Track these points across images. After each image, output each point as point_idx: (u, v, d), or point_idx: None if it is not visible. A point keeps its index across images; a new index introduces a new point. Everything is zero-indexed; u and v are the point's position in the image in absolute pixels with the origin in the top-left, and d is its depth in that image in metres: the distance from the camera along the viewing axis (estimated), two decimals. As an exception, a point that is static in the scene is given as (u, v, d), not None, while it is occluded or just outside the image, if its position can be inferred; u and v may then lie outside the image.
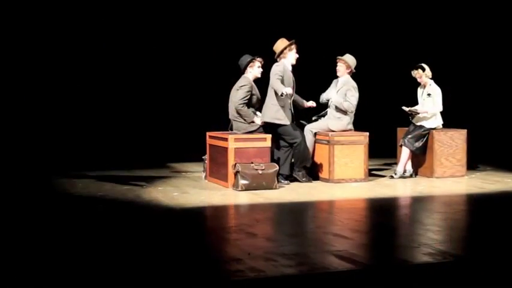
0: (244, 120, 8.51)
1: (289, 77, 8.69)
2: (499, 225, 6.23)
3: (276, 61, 8.75)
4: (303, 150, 8.64)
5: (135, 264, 4.68)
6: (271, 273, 4.39)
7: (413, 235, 5.76)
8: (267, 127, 8.60)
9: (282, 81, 8.50)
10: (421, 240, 5.47)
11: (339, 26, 12.62)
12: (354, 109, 9.02)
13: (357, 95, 9.00)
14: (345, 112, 9.00)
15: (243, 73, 8.76)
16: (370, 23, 13.00)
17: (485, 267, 4.78)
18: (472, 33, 12.78)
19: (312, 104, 9.07)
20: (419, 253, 5.01)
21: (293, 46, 8.71)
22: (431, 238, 5.52)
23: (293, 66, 8.78)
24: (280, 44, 8.73)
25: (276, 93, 8.51)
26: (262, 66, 8.78)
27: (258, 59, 8.75)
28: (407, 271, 4.65)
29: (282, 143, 8.69)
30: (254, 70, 8.72)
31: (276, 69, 8.57)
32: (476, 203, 7.72)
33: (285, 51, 8.68)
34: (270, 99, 8.66)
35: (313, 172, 8.97)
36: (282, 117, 8.60)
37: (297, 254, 4.90)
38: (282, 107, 8.59)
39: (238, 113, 8.52)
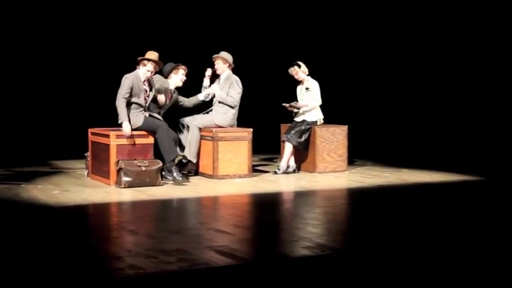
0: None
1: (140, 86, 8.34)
2: (377, 218, 6.44)
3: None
4: (164, 138, 8.23)
5: (13, 264, 4.54)
6: (151, 270, 4.36)
7: (294, 229, 5.87)
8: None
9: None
10: (301, 234, 5.58)
11: (222, 26, 12.67)
12: (237, 103, 9.12)
13: (239, 89, 9.12)
14: (230, 106, 9.07)
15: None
16: (252, 23, 13.12)
17: (362, 260, 4.92)
18: (348, 32, 13.09)
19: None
20: (299, 247, 5.10)
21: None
22: (310, 232, 5.64)
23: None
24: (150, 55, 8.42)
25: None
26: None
27: (182, 66, 8.92)
28: (286, 265, 4.72)
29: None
30: (178, 76, 8.87)
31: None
32: (356, 197, 7.95)
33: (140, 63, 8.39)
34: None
35: (197, 168, 9.01)
36: (135, 121, 8.23)
37: (178, 250, 4.89)
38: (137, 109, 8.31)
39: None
